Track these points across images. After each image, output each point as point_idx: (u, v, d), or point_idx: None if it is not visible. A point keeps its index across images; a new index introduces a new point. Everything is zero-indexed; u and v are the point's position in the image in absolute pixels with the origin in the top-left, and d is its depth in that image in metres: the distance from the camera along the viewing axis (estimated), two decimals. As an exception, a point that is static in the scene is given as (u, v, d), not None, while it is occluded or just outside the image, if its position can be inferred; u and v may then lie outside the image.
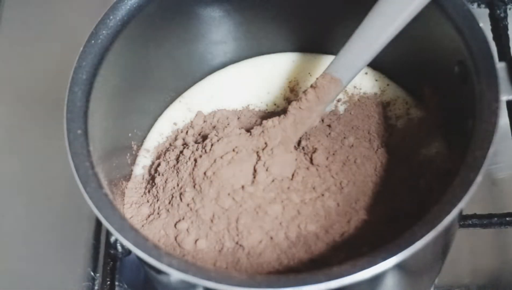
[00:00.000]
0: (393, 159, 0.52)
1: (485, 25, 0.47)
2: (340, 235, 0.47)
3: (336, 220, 0.48)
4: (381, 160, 0.52)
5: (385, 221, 0.48)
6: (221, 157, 0.49)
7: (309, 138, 0.53)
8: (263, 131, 0.51)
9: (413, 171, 0.52)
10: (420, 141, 0.54)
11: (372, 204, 0.49)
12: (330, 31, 0.58)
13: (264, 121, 0.51)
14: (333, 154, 0.51)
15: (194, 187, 0.49)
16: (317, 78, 0.51)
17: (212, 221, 0.48)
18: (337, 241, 0.47)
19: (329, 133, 0.54)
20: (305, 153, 0.51)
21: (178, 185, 0.50)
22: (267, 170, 0.48)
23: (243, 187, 0.48)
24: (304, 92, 0.51)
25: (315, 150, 0.51)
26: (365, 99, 0.58)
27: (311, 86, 0.51)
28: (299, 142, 0.53)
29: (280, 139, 0.51)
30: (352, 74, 0.51)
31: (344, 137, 0.53)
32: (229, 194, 0.48)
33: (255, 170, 0.49)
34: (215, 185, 0.48)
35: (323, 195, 0.49)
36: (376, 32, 0.49)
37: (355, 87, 0.59)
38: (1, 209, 0.67)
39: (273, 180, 0.48)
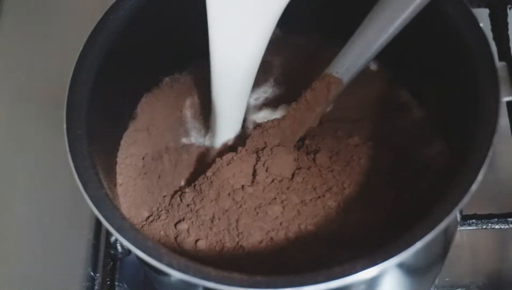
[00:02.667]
0: (396, 159, 0.52)
1: (485, 25, 0.47)
2: (341, 236, 0.47)
3: (337, 221, 0.47)
4: (384, 160, 0.51)
5: (387, 222, 0.48)
6: (221, 158, 0.50)
7: (313, 137, 0.52)
8: (262, 132, 0.51)
9: (415, 172, 0.51)
10: (421, 141, 0.54)
11: (374, 205, 0.49)
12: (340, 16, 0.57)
13: (263, 122, 0.51)
14: (337, 153, 0.51)
15: (194, 187, 0.49)
16: (316, 78, 0.51)
17: (212, 221, 0.48)
18: (338, 242, 0.47)
19: (335, 132, 0.53)
20: (308, 153, 0.51)
21: (178, 185, 0.51)
22: (266, 170, 0.48)
23: (243, 187, 0.48)
24: (304, 92, 0.51)
25: (318, 150, 0.51)
26: (369, 98, 0.57)
27: (311, 86, 0.51)
28: (303, 140, 0.53)
29: (280, 140, 0.51)
30: (352, 74, 0.51)
31: (349, 136, 0.53)
32: (229, 195, 0.48)
33: (254, 170, 0.49)
34: (215, 185, 0.48)
35: (324, 195, 0.48)
36: (377, 31, 0.49)
37: (359, 85, 0.58)
38: (1, 209, 0.67)
39: (273, 180, 0.48)
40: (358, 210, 0.48)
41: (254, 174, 0.48)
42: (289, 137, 0.51)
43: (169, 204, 0.50)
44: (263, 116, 0.56)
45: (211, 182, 0.48)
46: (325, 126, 0.54)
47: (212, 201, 0.48)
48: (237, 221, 0.47)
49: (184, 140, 0.56)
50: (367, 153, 0.51)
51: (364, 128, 0.54)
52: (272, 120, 0.51)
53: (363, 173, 0.50)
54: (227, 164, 0.49)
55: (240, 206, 0.47)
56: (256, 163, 0.49)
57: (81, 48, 0.49)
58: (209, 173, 0.49)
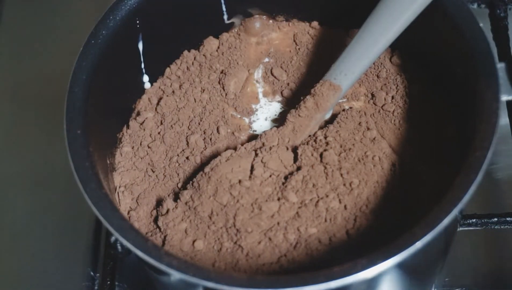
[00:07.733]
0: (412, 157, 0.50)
1: (485, 25, 0.47)
2: (344, 241, 0.45)
3: (341, 224, 0.46)
4: (399, 158, 0.50)
5: (396, 227, 0.45)
6: (220, 155, 0.50)
7: (327, 127, 0.51)
8: (260, 138, 0.51)
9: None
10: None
11: (384, 207, 0.47)
12: (351, 6, 0.56)
13: (262, 133, 0.51)
14: (349, 149, 0.49)
15: (192, 185, 0.49)
16: (315, 85, 0.51)
17: (210, 218, 0.47)
18: (341, 247, 0.45)
19: (359, 123, 0.51)
20: (314, 149, 0.49)
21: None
22: (264, 165, 0.48)
23: (240, 181, 0.48)
24: (303, 99, 0.51)
25: (326, 148, 0.49)
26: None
27: (310, 93, 0.51)
28: (314, 132, 0.51)
29: (279, 143, 0.51)
30: (351, 80, 0.51)
31: (368, 128, 0.51)
32: (227, 189, 0.47)
33: (253, 166, 0.48)
34: (213, 180, 0.48)
35: (327, 195, 0.47)
36: (374, 38, 0.49)
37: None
38: (1, 209, 0.67)
39: (270, 175, 0.48)
40: (367, 214, 0.46)
41: (252, 169, 0.48)
42: (288, 144, 0.51)
43: (168, 203, 0.50)
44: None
45: (209, 177, 0.48)
46: (349, 115, 0.52)
47: (210, 197, 0.48)
48: (234, 217, 0.46)
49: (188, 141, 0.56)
50: (384, 150, 0.50)
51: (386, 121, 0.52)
52: (271, 129, 0.51)
53: (377, 172, 0.48)
54: (226, 160, 0.49)
55: (237, 201, 0.47)
56: (254, 159, 0.49)
57: (81, 48, 0.49)
58: (207, 169, 0.49)
